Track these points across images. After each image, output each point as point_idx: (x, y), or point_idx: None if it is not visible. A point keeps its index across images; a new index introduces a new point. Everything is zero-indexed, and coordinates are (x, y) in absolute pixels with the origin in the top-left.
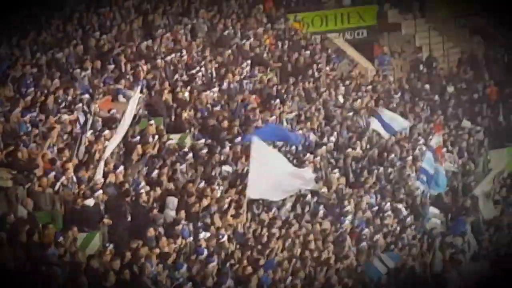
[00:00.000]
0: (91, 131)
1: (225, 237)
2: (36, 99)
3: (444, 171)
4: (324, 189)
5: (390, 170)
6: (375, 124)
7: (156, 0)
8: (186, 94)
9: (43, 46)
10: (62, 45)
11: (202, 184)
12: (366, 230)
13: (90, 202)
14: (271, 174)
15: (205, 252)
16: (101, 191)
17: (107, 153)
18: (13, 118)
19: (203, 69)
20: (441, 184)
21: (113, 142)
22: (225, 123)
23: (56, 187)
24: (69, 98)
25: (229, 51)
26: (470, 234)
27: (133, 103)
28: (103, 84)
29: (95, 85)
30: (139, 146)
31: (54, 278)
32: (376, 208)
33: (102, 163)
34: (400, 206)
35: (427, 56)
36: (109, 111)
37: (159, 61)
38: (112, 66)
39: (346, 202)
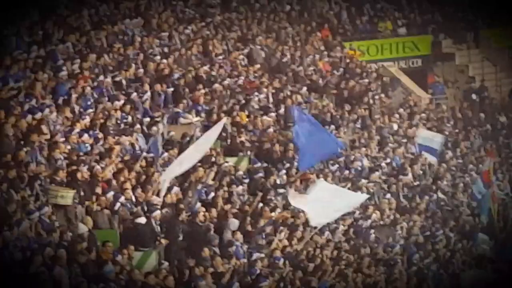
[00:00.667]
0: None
1: (281, 259)
2: (96, 119)
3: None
4: (377, 214)
5: (441, 196)
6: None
7: (215, 26)
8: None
9: (104, 68)
10: (122, 67)
11: (259, 206)
12: (417, 255)
13: (142, 220)
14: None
15: (257, 272)
16: (158, 212)
17: (171, 175)
18: (72, 139)
19: (261, 95)
20: (483, 209)
21: (180, 166)
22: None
23: (116, 207)
24: (129, 119)
25: (286, 77)
26: None
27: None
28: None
29: (155, 108)
30: (200, 168)
31: None
32: (428, 233)
33: (165, 184)
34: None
35: (479, 85)
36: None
37: (217, 85)
38: (171, 90)
39: (398, 227)
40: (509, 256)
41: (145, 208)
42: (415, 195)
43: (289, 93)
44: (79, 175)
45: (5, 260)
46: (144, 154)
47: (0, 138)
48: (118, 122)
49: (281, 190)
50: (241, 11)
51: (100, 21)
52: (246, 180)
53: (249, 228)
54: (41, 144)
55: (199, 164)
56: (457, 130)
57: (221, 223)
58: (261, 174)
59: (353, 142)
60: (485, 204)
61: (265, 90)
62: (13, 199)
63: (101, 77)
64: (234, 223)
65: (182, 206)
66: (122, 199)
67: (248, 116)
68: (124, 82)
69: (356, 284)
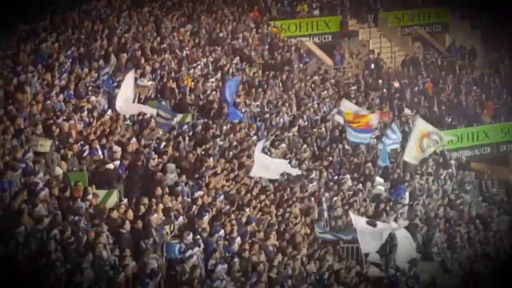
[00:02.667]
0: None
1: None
2: (70, 83)
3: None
4: (295, 161)
5: (347, 147)
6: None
7: (166, 7)
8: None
9: (77, 41)
10: (91, 41)
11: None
12: (327, 194)
13: (110, 166)
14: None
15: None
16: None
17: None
18: (51, 98)
19: (202, 63)
20: (382, 157)
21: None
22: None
23: (85, 154)
24: (97, 83)
25: (223, 49)
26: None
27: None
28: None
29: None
30: (152, 122)
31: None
32: (336, 177)
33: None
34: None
35: (377, 57)
36: None
37: (167, 55)
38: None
39: (312, 172)
40: (400, 195)
41: (110, 155)
42: (326, 146)
43: (225, 62)
44: (55, 128)
45: None
46: (109, 111)
47: None
48: (87, 85)
49: (219, 142)
50: None
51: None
52: (190, 133)
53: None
54: (25, 102)
55: (152, 120)
56: (359, 93)
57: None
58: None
59: (276, 102)
60: (383, 152)
61: (205, 60)
62: (4, 147)
63: (73, 48)
64: (171, 166)
65: (139, 154)
66: (86, 147)
67: (192, 81)
68: (93, 52)
69: (278, 217)
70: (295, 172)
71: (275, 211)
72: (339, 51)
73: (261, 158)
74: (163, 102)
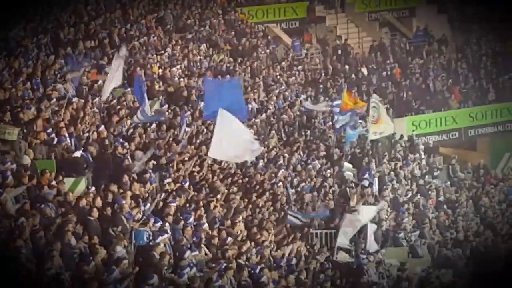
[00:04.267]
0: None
1: (187, 183)
2: (36, 71)
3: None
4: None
5: (317, 134)
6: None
7: None
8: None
9: (44, 30)
10: (59, 29)
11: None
12: (295, 179)
13: (78, 154)
14: (232, 139)
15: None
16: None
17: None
18: (18, 86)
19: (169, 50)
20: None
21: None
22: (185, 93)
23: (54, 142)
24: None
25: (190, 36)
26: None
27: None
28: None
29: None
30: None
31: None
32: (303, 164)
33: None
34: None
35: (344, 43)
36: (95, 81)
37: (135, 42)
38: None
39: (280, 158)
40: (365, 175)
41: (77, 143)
42: (294, 131)
43: (191, 48)
44: (22, 115)
45: None
46: (75, 99)
47: None
48: (55, 73)
49: (186, 128)
50: None
51: None
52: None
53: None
54: None
55: (119, 106)
56: (328, 77)
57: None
58: (169, 115)
59: (246, 88)
60: (348, 137)
61: (172, 46)
62: None
63: (41, 35)
64: (138, 154)
65: (106, 141)
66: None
67: (159, 68)
68: (60, 40)
69: (245, 203)
70: (256, 146)
71: (243, 198)
72: (306, 36)
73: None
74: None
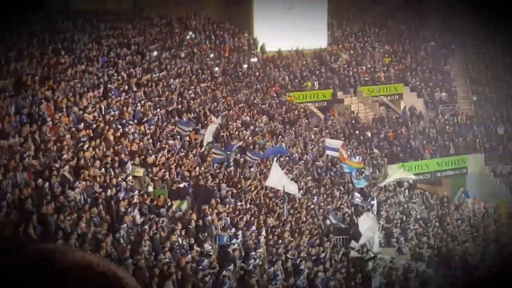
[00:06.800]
0: None
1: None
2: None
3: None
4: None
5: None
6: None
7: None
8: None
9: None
10: None
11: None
12: (323, 203)
13: (181, 185)
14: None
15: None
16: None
17: None
18: (143, 140)
19: (243, 117)
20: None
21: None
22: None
23: (166, 177)
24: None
25: (255, 110)
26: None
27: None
28: None
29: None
30: (209, 157)
31: None
32: (329, 193)
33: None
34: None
35: (356, 115)
36: (195, 139)
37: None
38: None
39: (314, 190)
40: (371, 202)
41: (181, 178)
42: (321, 172)
43: (256, 118)
44: (147, 160)
45: None
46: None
47: None
48: (167, 134)
49: (252, 169)
50: None
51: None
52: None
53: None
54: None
55: (209, 155)
56: (345, 138)
57: None
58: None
59: (293, 146)
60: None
61: (244, 116)
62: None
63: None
64: (223, 185)
65: (200, 177)
66: (169, 173)
67: (236, 131)
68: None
69: (289, 221)
70: (295, 191)
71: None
72: (331, 112)
73: (277, 172)
74: (216, 144)
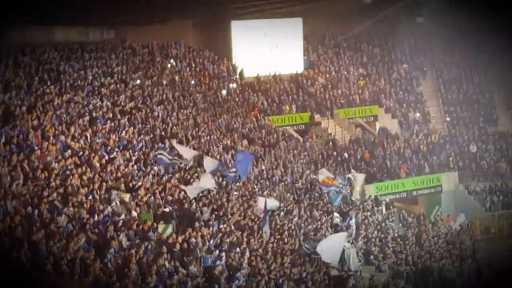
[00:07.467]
0: None
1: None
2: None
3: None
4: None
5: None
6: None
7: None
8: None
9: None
10: None
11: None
12: (303, 224)
13: (167, 209)
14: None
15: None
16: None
17: None
18: (128, 168)
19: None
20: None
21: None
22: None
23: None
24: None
25: (236, 134)
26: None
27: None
28: None
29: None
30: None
31: None
32: (308, 214)
33: None
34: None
35: (333, 138)
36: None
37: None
38: None
39: (294, 211)
40: (348, 221)
41: (165, 202)
42: (301, 193)
43: (237, 141)
44: (132, 185)
45: None
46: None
47: None
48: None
49: (235, 193)
50: None
51: None
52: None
53: (220, 213)
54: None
55: (192, 180)
56: (323, 160)
57: None
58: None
59: (272, 168)
60: (334, 199)
61: (226, 140)
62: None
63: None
64: (204, 209)
65: (184, 201)
66: (153, 198)
67: (218, 154)
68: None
69: (272, 242)
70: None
71: (271, 236)
72: (309, 135)
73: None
74: (166, 146)
